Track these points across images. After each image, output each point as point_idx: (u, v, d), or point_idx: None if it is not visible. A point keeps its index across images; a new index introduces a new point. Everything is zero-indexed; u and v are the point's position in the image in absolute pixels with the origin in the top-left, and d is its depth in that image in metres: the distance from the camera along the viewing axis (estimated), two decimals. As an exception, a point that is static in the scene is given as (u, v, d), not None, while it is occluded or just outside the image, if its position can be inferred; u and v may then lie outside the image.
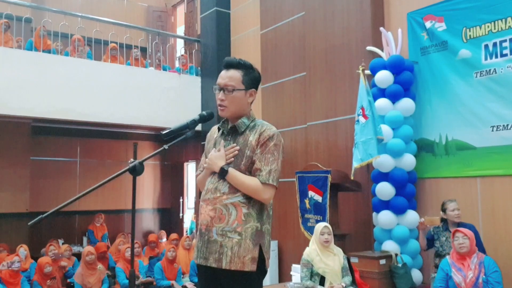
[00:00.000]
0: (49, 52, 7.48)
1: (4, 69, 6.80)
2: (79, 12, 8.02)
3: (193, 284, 6.57)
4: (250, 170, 2.26)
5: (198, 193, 9.08)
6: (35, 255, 7.26)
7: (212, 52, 8.69)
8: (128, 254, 6.41)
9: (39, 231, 8.49)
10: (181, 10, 10.93)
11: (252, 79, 2.36)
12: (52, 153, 9.32)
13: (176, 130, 2.21)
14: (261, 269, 2.23)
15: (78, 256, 7.59)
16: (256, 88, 2.40)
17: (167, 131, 2.21)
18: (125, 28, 8.56)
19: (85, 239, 8.95)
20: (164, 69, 8.76)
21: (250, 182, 2.22)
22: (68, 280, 6.55)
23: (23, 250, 6.68)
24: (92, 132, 9.37)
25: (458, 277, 3.99)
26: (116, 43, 8.28)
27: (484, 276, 3.92)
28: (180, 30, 10.97)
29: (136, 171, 2.05)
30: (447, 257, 4.20)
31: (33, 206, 8.51)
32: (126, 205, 9.94)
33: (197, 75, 8.93)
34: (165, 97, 8.28)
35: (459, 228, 4.18)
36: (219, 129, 2.45)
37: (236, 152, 2.28)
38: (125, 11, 10.41)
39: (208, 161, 2.34)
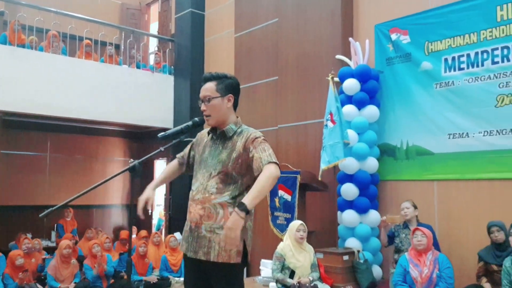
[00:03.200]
0: (23, 46, 7.46)
1: (-23, 62, 6.78)
2: (54, 8, 7.99)
3: (159, 278, 6.73)
4: (237, 171, 2.49)
5: (169, 191, 9.16)
6: (2, 248, 7.27)
7: (186, 52, 8.84)
8: (95, 250, 6.46)
9: (7, 224, 8.46)
10: (155, 9, 11.02)
11: (227, 86, 2.61)
12: (22, 147, 9.27)
13: (172, 134, 2.48)
14: (244, 261, 2.48)
15: (47, 250, 7.64)
16: (234, 93, 2.65)
17: (164, 134, 2.47)
18: (99, 25, 8.61)
19: (53, 234, 8.94)
20: (138, 67, 8.84)
21: (264, 179, 2.32)
22: (40, 273, 6.61)
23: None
24: (63, 127, 9.33)
25: (414, 272, 4.35)
26: (91, 39, 8.33)
27: (438, 272, 4.31)
28: (153, 28, 11.05)
29: (136, 171, 2.27)
30: (406, 253, 4.55)
31: (1, 200, 8.47)
32: (95, 201, 9.98)
33: (170, 74, 9.05)
34: (138, 95, 8.37)
35: (418, 227, 4.54)
36: (208, 133, 2.69)
37: None
38: (99, 8, 10.41)
39: (228, 234, 2.25)
